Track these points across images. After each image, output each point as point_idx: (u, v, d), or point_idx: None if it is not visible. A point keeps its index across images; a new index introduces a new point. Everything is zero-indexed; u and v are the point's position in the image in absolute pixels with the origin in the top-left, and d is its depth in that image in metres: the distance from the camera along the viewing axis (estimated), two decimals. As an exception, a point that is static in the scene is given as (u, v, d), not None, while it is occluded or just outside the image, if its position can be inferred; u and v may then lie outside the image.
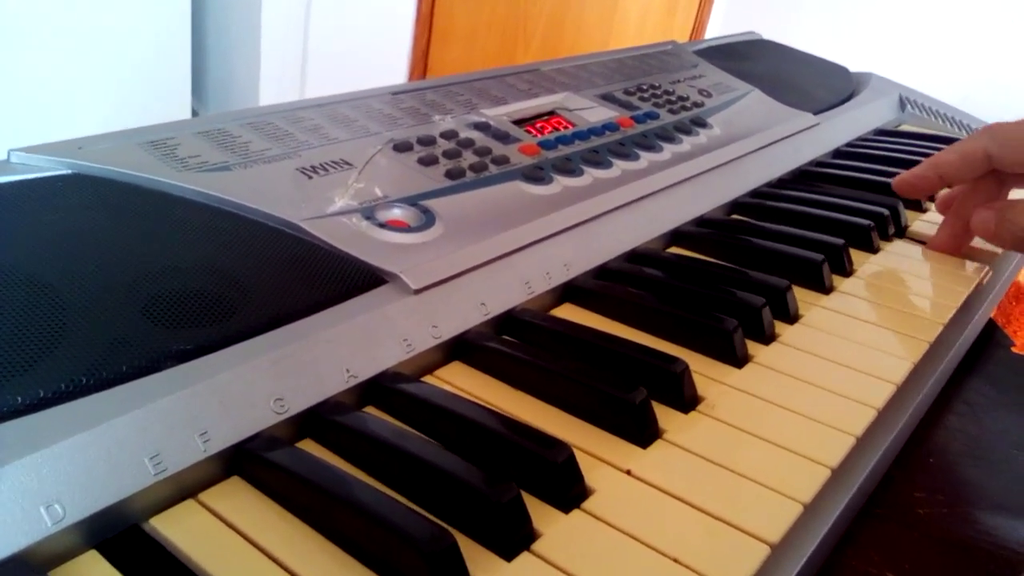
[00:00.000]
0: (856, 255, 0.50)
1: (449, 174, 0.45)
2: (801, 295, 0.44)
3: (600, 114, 0.58)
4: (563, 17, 2.09)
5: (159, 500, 0.26)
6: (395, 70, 1.78)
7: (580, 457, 0.29)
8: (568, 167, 0.49)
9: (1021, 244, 0.47)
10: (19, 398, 0.25)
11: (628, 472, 0.30)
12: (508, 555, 0.25)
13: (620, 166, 0.51)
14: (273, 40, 1.54)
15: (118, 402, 0.26)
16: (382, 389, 0.32)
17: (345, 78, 1.59)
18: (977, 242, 0.54)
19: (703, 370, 0.37)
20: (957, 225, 0.52)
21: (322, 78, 1.61)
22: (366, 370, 0.32)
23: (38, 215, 0.34)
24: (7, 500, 0.23)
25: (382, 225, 0.39)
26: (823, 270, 0.46)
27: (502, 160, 0.47)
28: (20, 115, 1.26)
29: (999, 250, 0.54)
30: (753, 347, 0.39)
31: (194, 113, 1.56)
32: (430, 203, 0.42)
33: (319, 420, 0.30)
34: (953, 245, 0.53)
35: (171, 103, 1.43)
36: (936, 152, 0.53)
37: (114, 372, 0.27)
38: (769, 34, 0.94)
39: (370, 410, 0.32)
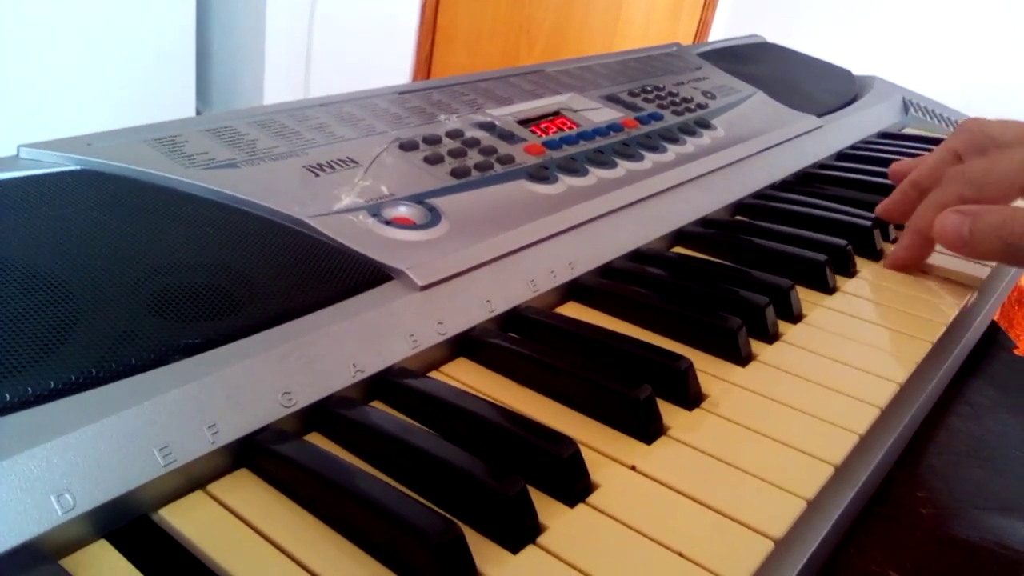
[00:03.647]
0: (859, 256, 0.50)
1: (454, 173, 0.45)
2: (804, 295, 0.44)
3: (605, 115, 0.58)
4: (567, 20, 2.10)
5: (168, 491, 0.26)
6: (399, 73, 1.78)
7: (585, 453, 0.29)
8: (573, 167, 0.49)
9: (999, 254, 0.42)
10: (30, 389, 0.26)
11: (633, 468, 0.30)
12: (514, 548, 0.26)
13: (624, 166, 0.51)
14: (277, 43, 1.54)
15: (128, 394, 0.26)
16: (388, 384, 0.33)
17: (349, 81, 1.59)
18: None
19: (707, 368, 0.37)
20: (917, 238, 0.48)
21: (326, 81, 1.62)
22: (372, 365, 0.32)
23: (48, 210, 0.35)
24: (19, 489, 0.23)
25: (388, 222, 0.39)
26: (826, 270, 0.46)
27: (507, 159, 0.48)
28: (25, 114, 1.27)
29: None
30: (757, 346, 0.39)
31: (199, 113, 1.57)
32: (436, 201, 0.42)
33: (326, 414, 0.30)
34: (913, 260, 0.49)
35: (176, 104, 1.44)
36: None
37: (123, 365, 0.27)
38: (773, 37, 0.94)
39: (376, 405, 0.32)
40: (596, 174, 0.49)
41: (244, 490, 0.27)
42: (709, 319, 0.38)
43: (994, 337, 0.51)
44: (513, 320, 0.39)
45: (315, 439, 0.30)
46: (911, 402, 0.38)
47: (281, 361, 0.30)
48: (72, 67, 1.29)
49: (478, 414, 0.30)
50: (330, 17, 1.59)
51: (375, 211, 0.40)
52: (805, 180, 0.63)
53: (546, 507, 0.28)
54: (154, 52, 1.39)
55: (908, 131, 0.81)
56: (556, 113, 0.56)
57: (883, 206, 0.52)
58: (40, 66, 1.26)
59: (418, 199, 0.42)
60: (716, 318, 0.38)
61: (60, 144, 0.39)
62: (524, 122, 0.54)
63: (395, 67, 1.78)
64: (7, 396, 0.25)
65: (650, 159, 0.53)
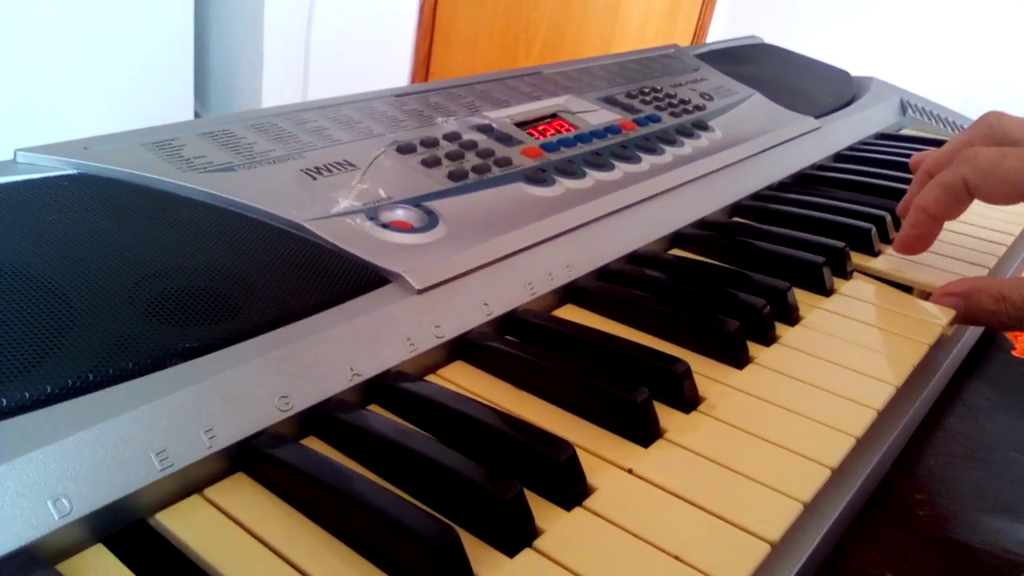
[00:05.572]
0: (857, 258, 0.50)
1: (452, 176, 0.45)
2: (802, 297, 0.44)
3: (602, 117, 0.58)
4: (564, 21, 2.10)
5: (165, 495, 0.26)
6: (397, 74, 1.78)
7: (582, 456, 0.29)
8: (570, 169, 0.49)
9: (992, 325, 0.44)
10: (27, 394, 0.26)
11: (630, 471, 0.30)
12: (511, 551, 0.26)
13: (622, 168, 0.51)
14: (276, 44, 1.54)
15: (124, 398, 0.26)
16: (385, 388, 0.33)
17: (347, 82, 1.59)
18: (976, 244, 0.54)
19: (704, 371, 0.37)
20: (922, 217, 0.47)
21: (324, 82, 1.62)
22: (369, 369, 0.32)
23: (45, 214, 0.35)
24: (15, 494, 0.23)
25: (385, 226, 0.39)
26: (823, 272, 0.46)
27: (505, 162, 0.48)
28: (23, 116, 1.27)
29: (998, 253, 0.54)
30: (754, 348, 0.39)
31: (197, 115, 1.57)
32: (433, 204, 0.42)
33: (323, 418, 0.30)
34: (918, 239, 0.48)
35: (174, 105, 1.44)
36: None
37: (120, 369, 0.27)
38: (770, 38, 0.94)
39: (373, 408, 0.32)
40: (593, 176, 0.49)
41: (241, 494, 0.27)
42: (706, 322, 0.38)
43: (992, 338, 0.51)
44: (510, 323, 0.39)
45: (312, 443, 0.30)
46: (908, 404, 0.38)
47: (278, 365, 0.30)
48: (71, 69, 1.29)
49: (475, 417, 0.30)
50: (328, 18, 1.59)
51: (372, 214, 0.40)
52: (803, 182, 0.63)
53: (543, 510, 0.28)
54: (152, 54, 1.39)
55: (906, 132, 0.82)
56: (553, 115, 0.57)
57: (904, 240, 0.50)
58: (38, 68, 1.26)
59: (415, 202, 0.42)
60: (713, 321, 0.38)
61: (57, 148, 0.39)
62: (521, 124, 0.54)
63: (393, 68, 1.78)
64: (4, 401, 0.25)
65: (648, 161, 0.53)
